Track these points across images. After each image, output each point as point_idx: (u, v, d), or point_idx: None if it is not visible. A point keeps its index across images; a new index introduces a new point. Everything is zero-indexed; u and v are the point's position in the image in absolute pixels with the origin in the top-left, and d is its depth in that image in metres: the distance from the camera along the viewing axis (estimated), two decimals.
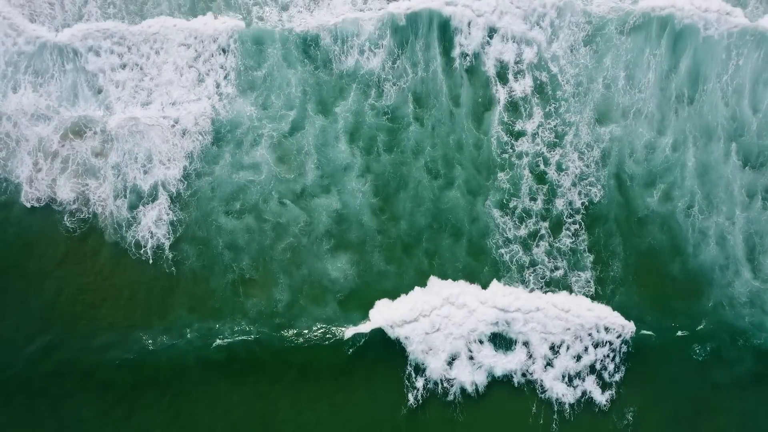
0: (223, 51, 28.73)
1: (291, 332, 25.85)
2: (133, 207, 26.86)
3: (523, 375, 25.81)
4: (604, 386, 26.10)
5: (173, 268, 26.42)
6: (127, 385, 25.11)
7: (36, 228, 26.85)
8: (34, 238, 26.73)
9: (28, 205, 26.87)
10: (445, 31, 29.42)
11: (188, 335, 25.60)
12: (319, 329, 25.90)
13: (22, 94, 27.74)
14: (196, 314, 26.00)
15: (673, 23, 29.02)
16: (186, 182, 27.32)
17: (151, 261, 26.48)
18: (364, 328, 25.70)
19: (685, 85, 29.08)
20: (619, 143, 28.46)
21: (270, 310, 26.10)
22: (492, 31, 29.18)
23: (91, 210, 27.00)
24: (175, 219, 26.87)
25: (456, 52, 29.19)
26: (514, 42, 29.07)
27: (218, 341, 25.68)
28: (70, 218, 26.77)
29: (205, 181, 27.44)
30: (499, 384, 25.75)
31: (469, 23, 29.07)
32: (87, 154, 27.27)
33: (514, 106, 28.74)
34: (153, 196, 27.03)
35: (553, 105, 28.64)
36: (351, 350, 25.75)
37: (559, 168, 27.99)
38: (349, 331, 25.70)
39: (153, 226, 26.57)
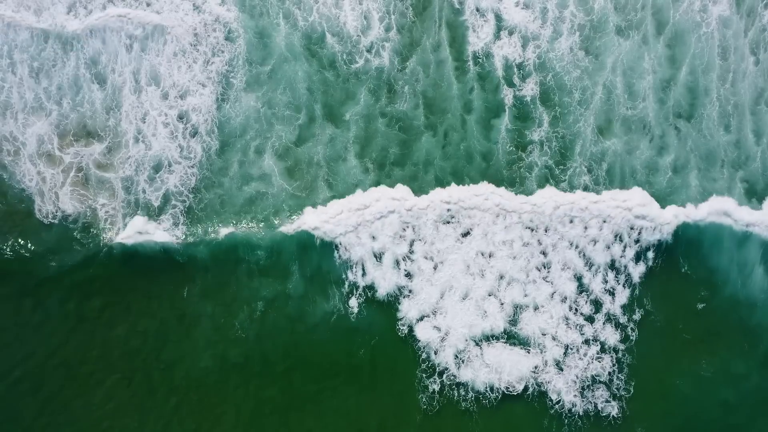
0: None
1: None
2: (144, 222, 26.51)
3: (537, 385, 26.78)
4: (614, 398, 27.14)
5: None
6: None
7: (52, 243, 26.20)
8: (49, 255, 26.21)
9: (46, 221, 26.06)
10: (455, 29, 29.26)
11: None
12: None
13: None
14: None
15: (669, 20, 29.44)
16: (197, 196, 27.00)
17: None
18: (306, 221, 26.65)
19: (684, 98, 29.47)
20: (621, 158, 28.77)
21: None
22: (499, 29, 29.10)
23: (101, 227, 26.42)
24: (188, 234, 26.66)
25: (468, 52, 29.03)
26: (519, 38, 29.05)
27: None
28: (83, 234, 26.19)
29: (215, 194, 27.11)
30: (510, 398, 26.62)
31: (476, 12, 29.02)
32: (91, 163, 26.49)
33: (522, 115, 28.81)
34: (164, 210, 26.71)
35: (558, 110, 28.79)
36: (363, 351, 26.68)
37: (571, 185, 28.29)
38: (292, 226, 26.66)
39: (167, 235, 26.36)
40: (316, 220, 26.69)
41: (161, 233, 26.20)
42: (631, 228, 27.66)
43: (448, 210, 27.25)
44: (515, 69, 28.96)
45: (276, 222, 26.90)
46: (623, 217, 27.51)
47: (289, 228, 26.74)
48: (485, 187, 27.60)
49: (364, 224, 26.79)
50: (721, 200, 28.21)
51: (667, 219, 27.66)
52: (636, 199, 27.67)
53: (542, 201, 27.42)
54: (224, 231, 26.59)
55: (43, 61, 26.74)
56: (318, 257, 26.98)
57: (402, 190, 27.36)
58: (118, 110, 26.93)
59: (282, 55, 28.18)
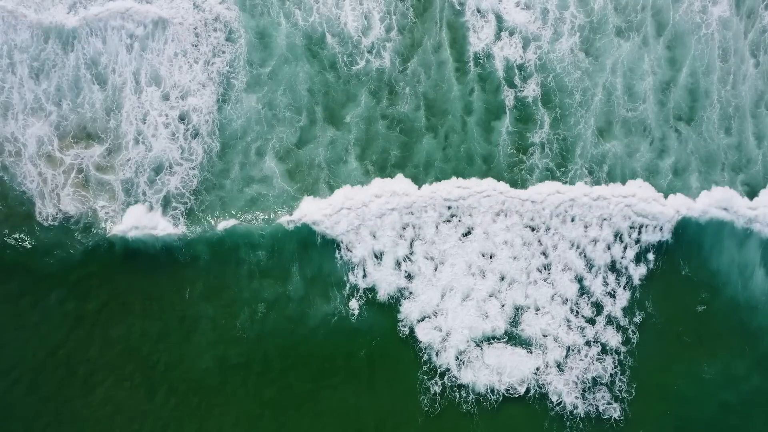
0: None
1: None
2: (143, 212, 26.34)
3: (538, 386, 26.84)
4: (615, 400, 27.23)
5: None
6: None
7: (52, 243, 26.01)
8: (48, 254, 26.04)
9: (45, 224, 25.89)
10: (456, 30, 29.24)
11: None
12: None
13: None
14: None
15: (669, 21, 29.48)
16: (198, 198, 26.93)
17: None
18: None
19: (684, 100, 29.57)
20: (621, 160, 28.85)
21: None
22: (500, 30, 29.12)
23: (101, 227, 26.24)
24: (188, 233, 26.55)
25: (469, 52, 29.02)
26: (520, 39, 29.10)
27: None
28: (83, 235, 26.02)
29: (216, 196, 27.05)
30: (510, 400, 26.68)
31: (477, 12, 28.99)
32: (91, 165, 26.31)
33: (523, 117, 28.85)
34: (165, 212, 26.58)
35: (559, 111, 28.85)
36: (363, 352, 26.63)
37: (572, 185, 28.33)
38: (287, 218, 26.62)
39: (168, 225, 26.22)
40: (316, 213, 26.66)
41: (163, 223, 26.12)
42: (631, 227, 27.73)
43: (449, 208, 27.23)
44: (516, 70, 29.00)
45: (276, 220, 26.87)
46: (624, 215, 27.57)
47: (289, 219, 26.67)
48: (487, 183, 27.62)
49: (365, 221, 26.80)
50: (722, 191, 28.32)
51: (669, 214, 27.72)
52: (638, 192, 27.78)
53: (542, 197, 27.44)
54: (225, 224, 26.52)
55: (43, 62, 26.60)
56: (319, 258, 27.00)
57: (403, 182, 27.38)
58: (119, 111, 26.80)
59: (283, 55, 28.12)
